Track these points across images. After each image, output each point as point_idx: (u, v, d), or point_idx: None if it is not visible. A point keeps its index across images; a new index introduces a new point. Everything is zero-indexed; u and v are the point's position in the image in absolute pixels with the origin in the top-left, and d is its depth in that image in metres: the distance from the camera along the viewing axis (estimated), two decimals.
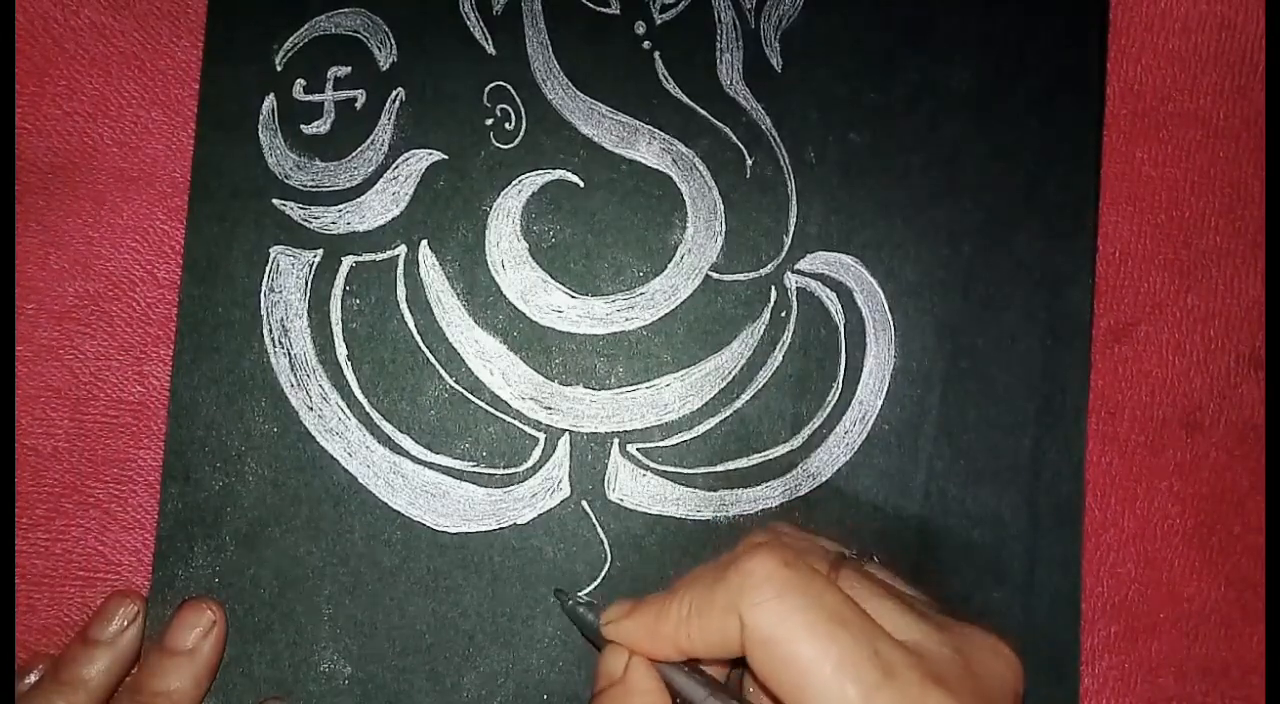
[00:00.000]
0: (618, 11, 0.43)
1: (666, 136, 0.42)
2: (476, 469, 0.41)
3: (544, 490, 0.41)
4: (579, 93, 0.43)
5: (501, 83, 0.43)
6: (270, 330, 0.42)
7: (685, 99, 0.43)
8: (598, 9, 0.43)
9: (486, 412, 0.42)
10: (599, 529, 0.41)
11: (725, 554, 0.33)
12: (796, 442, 0.42)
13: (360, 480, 0.41)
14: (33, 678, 0.40)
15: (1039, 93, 0.42)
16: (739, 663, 0.34)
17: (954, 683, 0.30)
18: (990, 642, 0.33)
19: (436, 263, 0.42)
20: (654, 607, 0.34)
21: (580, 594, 0.41)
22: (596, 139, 0.43)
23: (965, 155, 0.42)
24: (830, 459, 0.42)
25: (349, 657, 0.41)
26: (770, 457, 0.42)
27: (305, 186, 0.42)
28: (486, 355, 0.42)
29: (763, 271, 0.42)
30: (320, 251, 0.42)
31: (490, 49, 0.43)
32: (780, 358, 0.42)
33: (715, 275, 0.42)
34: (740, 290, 0.42)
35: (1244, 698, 0.41)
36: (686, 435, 0.42)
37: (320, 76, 0.43)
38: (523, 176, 0.42)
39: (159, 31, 0.43)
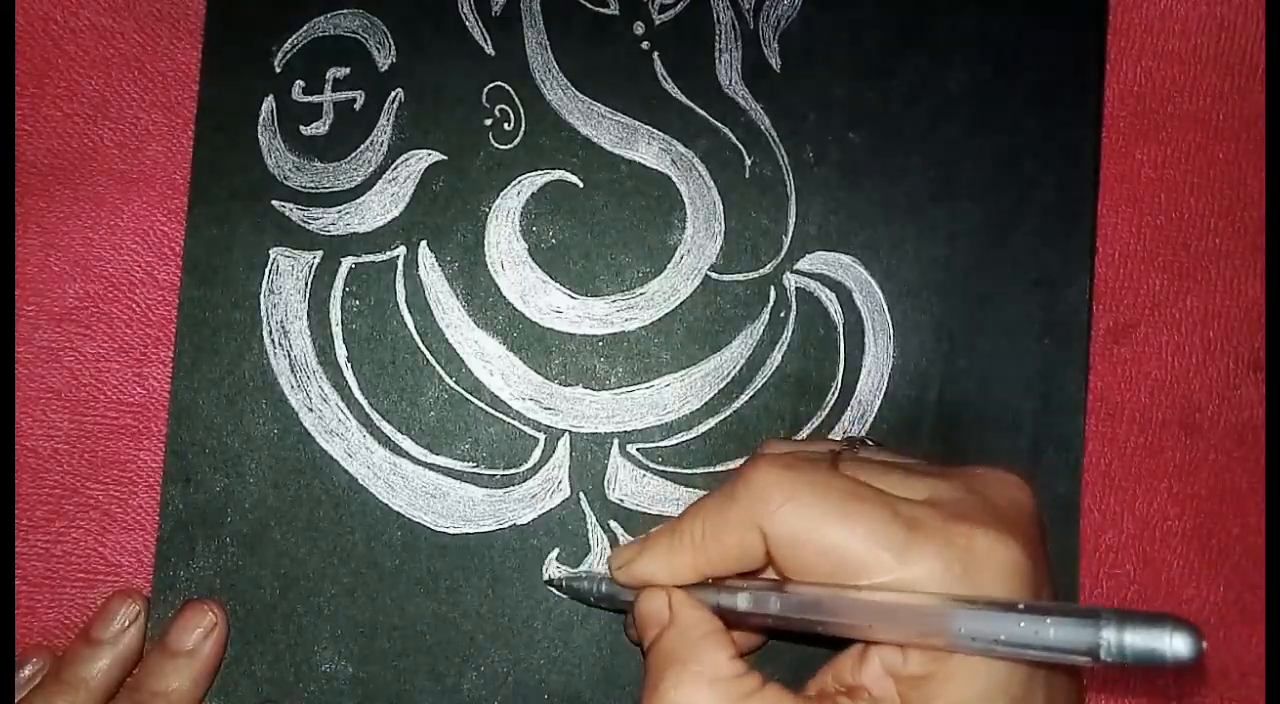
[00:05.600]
0: (616, 12, 0.43)
1: (665, 137, 0.42)
2: (476, 470, 0.42)
3: (544, 491, 0.41)
4: (578, 93, 0.43)
5: (500, 83, 0.43)
6: (270, 332, 0.42)
7: (684, 99, 0.42)
8: (596, 9, 0.43)
9: (486, 412, 0.42)
10: (599, 529, 0.41)
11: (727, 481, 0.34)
12: None
13: (360, 481, 0.41)
14: (28, 670, 0.40)
15: (1038, 93, 0.42)
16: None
17: (975, 516, 0.31)
18: (997, 474, 0.34)
19: (436, 263, 0.42)
20: (664, 539, 0.34)
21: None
22: (595, 139, 0.42)
23: (964, 155, 0.42)
24: None
25: (350, 657, 0.41)
26: None
27: (304, 188, 0.42)
28: (486, 356, 0.42)
29: (762, 272, 0.42)
30: (320, 253, 0.42)
31: (489, 49, 0.43)
32: (779, 358, 0.42)
33: (714, 275, 0.42)
34: (739, 290, 0.42)
35: (1244, 699, 0.41)
36: (686, 435, 0.42)
37: (319, 78, 0.43)
38: (522, 177, 0.42)
39: (158, 33, 0.43)
